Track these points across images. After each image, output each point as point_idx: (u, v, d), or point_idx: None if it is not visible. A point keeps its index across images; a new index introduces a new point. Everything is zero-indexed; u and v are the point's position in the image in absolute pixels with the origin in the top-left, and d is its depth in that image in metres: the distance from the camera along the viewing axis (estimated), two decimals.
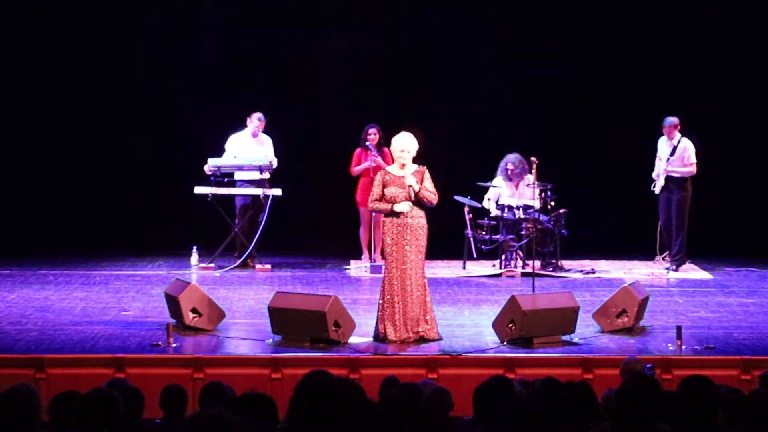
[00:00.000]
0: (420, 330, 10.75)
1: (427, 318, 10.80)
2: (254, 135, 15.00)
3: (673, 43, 16.71)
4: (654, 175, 14.96)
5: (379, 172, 11.16)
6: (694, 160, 14.76)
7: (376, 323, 10.86)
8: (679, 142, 14.81)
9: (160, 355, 10.29)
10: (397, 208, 10.74)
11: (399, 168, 10.89)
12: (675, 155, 14.79)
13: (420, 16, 16.92)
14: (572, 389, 6.34)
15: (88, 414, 5.60)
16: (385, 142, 15.02)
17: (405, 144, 10.83)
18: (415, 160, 10.91)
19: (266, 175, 14.84)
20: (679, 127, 14.82)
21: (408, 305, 10.70)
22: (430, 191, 10.82)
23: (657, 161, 15.00)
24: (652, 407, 5.85)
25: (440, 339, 10.80)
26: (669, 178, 14.82)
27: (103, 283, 13.88)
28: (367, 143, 14.94)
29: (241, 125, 15.10)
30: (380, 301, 10.84)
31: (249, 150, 14.95)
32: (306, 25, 16.81)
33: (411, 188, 10.75)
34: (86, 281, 13.96)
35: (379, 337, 10.77)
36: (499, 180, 15.22)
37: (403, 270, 10.75)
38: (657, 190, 14.96)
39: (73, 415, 5.63)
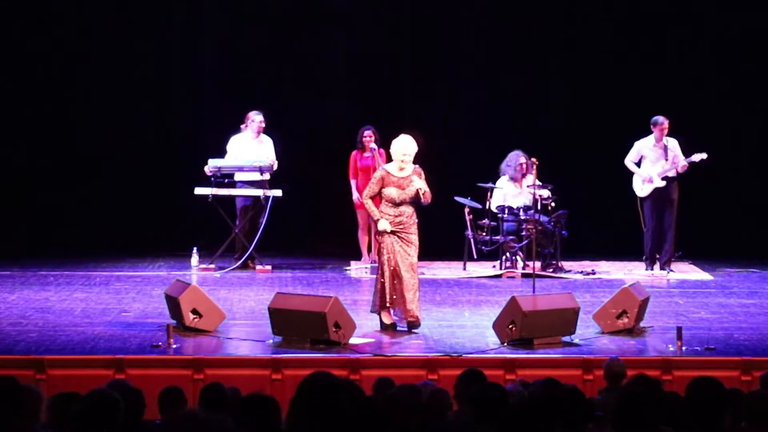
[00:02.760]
0: (409, 308, 11.13)
1: (415, 299, 11.20)
2: (257, 135, 14.98)
3: (674, 43, 16.71)
4: (645, 178, 14.85)
5: (379, 170, 11.55)
6: (683, 159, 14.76)
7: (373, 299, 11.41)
8: (668, 142, 14.79)
9: (160, 356, 10.28)
10: (380, 226, 11.21)
11: (398, 169, 11.24)
12: (670, 155, 14.76)
13: (420, 15, 16.90)
14: (565, 393, 6.35)
15: (88, 415, 5.60)
16: (382, 143, 15.07)
17: (408, 148, 11.25)
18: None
19: (266, 176, 14.84)
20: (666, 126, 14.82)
21: (396, 284, 11.14)
22: (426, 191, 11.29)
23: (631, 163, 14.86)
24: (654, 410, 5.84)
25: (419, 323, 11.23)
26: (669, 179, 14.80)
27: (103, 284, 13.87)
28: (372, 145, 14.99)
29: (242, 123, 15.08)
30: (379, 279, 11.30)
31: (250, 151, 14.95)
32: (306, 25, 16.80)
33: (420, 190, 11.19)
34: (86, 282, 13.95)
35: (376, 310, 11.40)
36: (503, 181, 15.16)
37: (397, 255, 11.16)
38: (645, 192, 14.88)
39: (73, 416, 5.63)
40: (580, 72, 16.74)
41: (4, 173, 16.38)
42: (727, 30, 16.56)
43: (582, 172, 16.26)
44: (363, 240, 15.23)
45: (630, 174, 14.96)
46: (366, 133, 15.06)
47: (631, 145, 14.96)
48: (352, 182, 15.15)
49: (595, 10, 16.76)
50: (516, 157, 15.06)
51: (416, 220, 11.36)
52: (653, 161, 14.82)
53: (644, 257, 15.06)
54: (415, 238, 11.29)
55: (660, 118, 14.76)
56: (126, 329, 11.27)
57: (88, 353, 10.34)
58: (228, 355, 10.41)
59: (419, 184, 11.12)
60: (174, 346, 10.51)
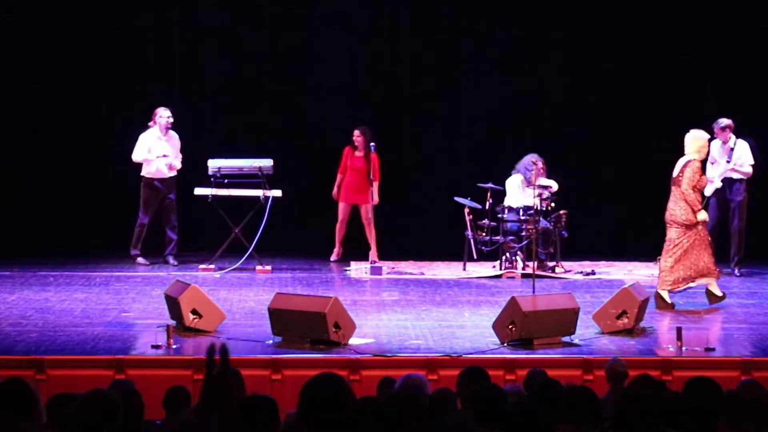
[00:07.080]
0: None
1: None
2: (165, 132, 15.02)
3: (674, 44, 16.71)
4: (707, 179, 14.82)
5: (696, 162, 12.32)
6: (752, 161, 14.75)
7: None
8: (735, 144, 14.76)
9: (160, 356, 10.29)
10: (702, 216, 12.43)
11: None
12: (734, 156, 14.74)
13: (420, 16, 16.90)
14: (573, 392, 6.34)
15: (87, 414, 5.60)
16: (380, 143, 15.16)
17: (687, 142, 12.45)
18: None
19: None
20: (732, 127, 14.79)
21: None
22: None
23: (708, 165, 14.92)
24: (654, 410, 5.84)
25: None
26: (729, 180, 14.77)
27: (103, 284, 13.87)
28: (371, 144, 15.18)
29: (242, 124, 15.10)
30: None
31: (159, 147, 15.04)
32: (306, 25, 16.80)
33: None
34: (86, 282, 13.95)
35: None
36: (515, 179, 15.02)
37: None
38: (708, 193, 14.83)
39: (72, 416, 5.63)
40: (581, 72, 16.74)
41: (5, 173, 16.38)
42: (730, 30, 16.56)
43: (582, 172, 16.25)
44: (339, 232, 15.56)
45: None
46: (355, 132, 15.29)
47: None
48: (339, 177, 15.39)
49: (596, 11, 16.75)
50: (529, 158, 14.91)
51: None
52: (716, 162, 14.80)
53: None
54: None
55: (721, 120, 14.73)
56: (126, 329, 11.28)
57: (88, 353, 10.34)
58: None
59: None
60: (174, 346, 10.51)
